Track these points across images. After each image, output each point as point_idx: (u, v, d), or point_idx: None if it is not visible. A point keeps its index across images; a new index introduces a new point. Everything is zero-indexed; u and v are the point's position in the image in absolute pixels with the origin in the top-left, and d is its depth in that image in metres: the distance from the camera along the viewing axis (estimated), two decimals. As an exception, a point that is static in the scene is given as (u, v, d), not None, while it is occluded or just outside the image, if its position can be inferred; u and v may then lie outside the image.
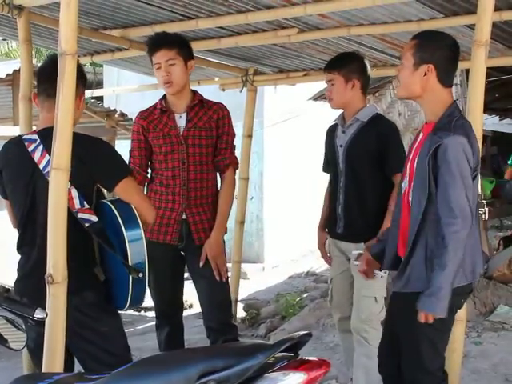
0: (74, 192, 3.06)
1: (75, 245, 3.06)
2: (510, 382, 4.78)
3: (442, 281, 2.96)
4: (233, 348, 2.40)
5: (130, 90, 8.67)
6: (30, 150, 3.15)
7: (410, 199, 3.17)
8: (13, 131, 6.14)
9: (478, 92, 3.50)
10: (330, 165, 4.49)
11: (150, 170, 4.30)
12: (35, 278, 3.09)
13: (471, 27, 4.60)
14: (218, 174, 4.25)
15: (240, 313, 6.97)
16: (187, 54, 4.09)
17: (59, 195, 2.97)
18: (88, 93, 8.18)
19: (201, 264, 4.08)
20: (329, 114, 12.19)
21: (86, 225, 3.06)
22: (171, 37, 4.10)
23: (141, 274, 3.04)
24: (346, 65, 4.21)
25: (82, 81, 3.26)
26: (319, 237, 4.61)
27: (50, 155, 3.04)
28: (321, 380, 2.18)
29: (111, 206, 3.14)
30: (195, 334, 6.32)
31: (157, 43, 4.06)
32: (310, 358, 2.20)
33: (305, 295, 7.85)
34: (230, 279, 4.39)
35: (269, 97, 10.28)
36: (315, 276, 10.02)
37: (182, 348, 4.47)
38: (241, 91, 6.37)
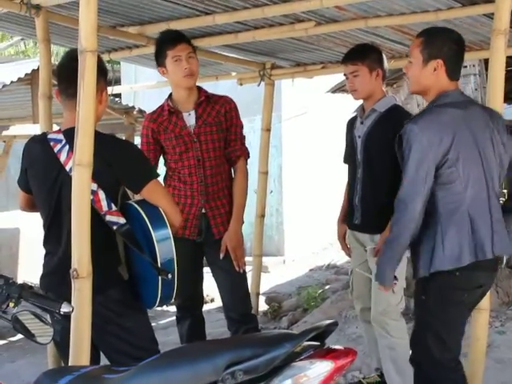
0: (102, 194, 3.06)
1: (100, 244, 3.06)
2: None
3: (383, 249, 3.29)
4: (259, 338, 2.40)
5: (147, 86, 8.68)
6: (55, 150, 3.15)
7: None
8: (33, 130, 6.20)
9: (498, 81, 3.49)
10: (349, 156, 4.49)
11: (165, 169, 4.33)
12: (60, 275, 3.11)
13: (490, 16, 4.57)
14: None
15: (262, 306, 6.98)
16: (196, 53, 4.18)
17: (82, 191, 2.98)
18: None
19: (221, 256, 4.13)
20: (347, 107, 12.16)
21: (114, 227, 3.06)
22: (181, 33, 4.18)
23: (170, 275, 3.04)
24: (368, 55, 4.21)
25: (103, 75, 3.24)
26: (339, 229, 4.62)
27: None
28: (347, 370, 2.19)
29: (137, 207, 3.14)
30: (218, 328, 6.35)
31: (174, 37, 4.10)
32: (337, 347, 2.20)
33: (326, 287, 7.83)
34: (251, 273, 4.44)
35: (286, 90, 10.27)
36: (336, 268, 10.01)
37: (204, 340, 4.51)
38: (258, 85, 6.37)
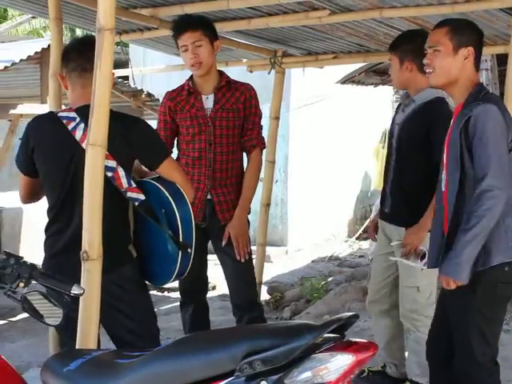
0: (121, 171, 3.09)
1: (116, 221, 3.10)
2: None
3: (464, 244, 2.93)
4: (278, 327, 2.35)
5: (156, 70, 8.64)
6: (69, 128, 3.12)
7: (447, 185, 3.14)
8: (41, 109, 6.16)
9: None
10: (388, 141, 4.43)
11: (175, 151, 4.30)
12: (68, 256, 3.10)
13: (507, 11, 4.53)
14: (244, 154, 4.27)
15: (264, 295, 6.96)
16: (212, 35, 4.10)
17: (95, 172, 2.95)
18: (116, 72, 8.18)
19: (223, 243, 4.13)
20: (356, 98, 12.18)
21: (136, 203, 3.10)
22: (194, 19, 4.13)
23: (189, 250, 3.13)
24: (401, 45, 4.14)
25: None
26: (374, 216, 4.61)
27: None
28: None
29: (156, 184, 3.18)
30: (219, 316, 6.34)
31: (181, 26, 4.07)
32: (357, 340, 2.16)
33: (329, 279, 7.83)
34: (254, 261, 4.40)
35: (295, 80, 10.21)
36: (339, 260, 10.02)
37: (208, 328, 4.49)
38: (269, 73, 6.31)
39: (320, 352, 2.09)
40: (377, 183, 12.23)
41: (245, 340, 2.14)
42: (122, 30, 5.65)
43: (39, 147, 3.20)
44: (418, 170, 4.07)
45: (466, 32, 3.13)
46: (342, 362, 2.08)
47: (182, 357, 2.20)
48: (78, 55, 3.19)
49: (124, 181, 3.08)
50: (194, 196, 3.40)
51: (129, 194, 3.09)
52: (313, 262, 10.13)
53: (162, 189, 3.15)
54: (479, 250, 2.96)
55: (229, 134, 4.12)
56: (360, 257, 10.32)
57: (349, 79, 8.65)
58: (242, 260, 4.15)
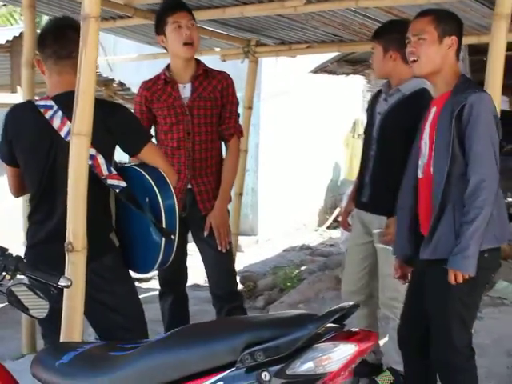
0: (101, 158, 3.03)
1: (97, 209, 3.05)
2: (512, 357, 4.81)
3: (469, 237, 2.95)
4: (279, 318, 2.32)
5: (128, 59, 8.56)
6: (47, 116, 3.07)
7: (432, 169, 3.15)
8: (12, 98, 6.06)
9: (498, 66, 3.47)
10: (366, 130, 4.40)
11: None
12: (51, 246, 3.05)
13: (481, 2, 4.56)
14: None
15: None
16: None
17: (80, 162, 2.92)
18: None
19: (205, 233, 4.10)
20: (326, 88, 12.17)
21: (117, 190, 3.04)
22: (187, 5, 4.11)
23: (173, 236, 3.07)
24: (386, 34, 4.10)
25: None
26: (346, 205, 4.63)
27: (71, 122, 2.97)
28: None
29: (139, 169, 3.13)
30: (192, 306, 6.26)
31: (176, 4, 4.03)
32: (357, 330, 2.16)
33: (302, 268, 7.84)
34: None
35: (266, 69, 10.19)
36: (310, 249, 10.02)
37: (187, 318, 4.47)
38: (242, 62, 6.31)
39: (322, 342, 2.08)
40: (346, 172, 12.30)
41: (245, 331, 2.13)
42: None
43: (18, 137, 3.15)
44: (405, 158, 4.08)
45: (449, 21, 3.16)
46: (344, 351, 2.08)
47: (181, 348, 2.17)
48: (54, 41, 3.11)
49: (104, 168, 3.02)
50: (177, 180, 3.36)
51: (109, 182, 3.03)
52: (284, 251, 10.12)
53: (145, 174, 3.09)
54: (454, 233, 3.02)
55: (207, 122, 4.09)
56: (331, 246, 10.33)
57: (321, 69, 8.66)
58: (224, 250, 4.13)
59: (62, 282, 2.32)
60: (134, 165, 3.22)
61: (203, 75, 4.11)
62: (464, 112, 2.97)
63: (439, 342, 3.20)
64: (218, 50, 6.58)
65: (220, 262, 4.19)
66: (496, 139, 3.01)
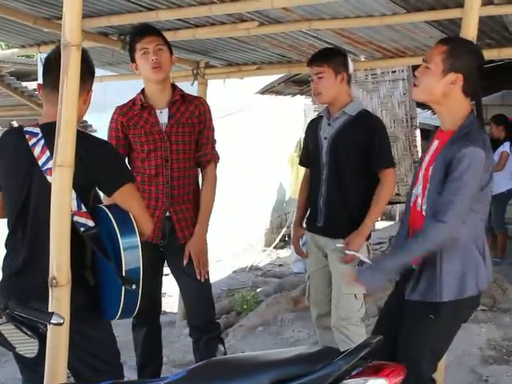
0: (73, 194, 2.89)
1: (71, 245, 2.90)
2: (475, 373, 4.86)
3: (390, 262, 3.05)
4: (304, 354, 2.23)
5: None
6: (30, 143, 2.98)
7: (424, 207, 3.10)
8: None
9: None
10: (310, 157, 4.42)
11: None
12: (24, 278, 2.95)
13: (430, 23, 4.64)
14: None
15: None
16: (169, 47, 4.04)
17: (63, 194, 2.83)
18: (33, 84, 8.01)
19: (184, 262, 4.00)
20: (275, 109, 12.15)
21: (82, 229, 2.90)
22: (155, 28, 4.09)
23: (134, 286, 2.87)
24: (334, 58, 4.19)
25: (91, 74, 3.13)
26: (295, 231, 4.60)
27: (50, 151, 2.89)
28: None
29: (107, 210, 2.96)
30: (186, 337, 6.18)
31: (143, 30, 4.00)
32: (385, 363, 2.14)
33: (258, 290, 7.78)
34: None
35: (214, 91, 10.18)
36: (260, 270, 9.99)
37: (160, 349, 4.38)
38: (192, 84, 6.28)
39: (351, 378, 2.05)
40: (292, 191, 12.33)
41: (270, 367, 2.07)
42: (41, 42, 5.50)
43: (2, 160, 3.08)
44: (359, 178, 4.12)
45: (461, 58, 3.00)
46: None
47: None
48: (51, 69, 3.01)
49: (74, 203, 2.89)
50: (151, 230, 3.18)
51: (76, 218, 2.90)
52: (234, 272, 10.05)
53: (111, 216, 2.92)
54: (455, 279, 2.99)
55: (185, 149, 4.02)
56: (280, 265, 10.33)
57: (268, 89, 8.70)
58: (202, 280, 4.03)
59: (54, 320, 2.24)
60: (106, 205, 3.07)
61: (180, 100, 4.06)
62: (454, 160, 2.89)
63: (408, 373, 3.20)
64: (166, 72, 6.53)
65: (198, 291, 4.10)
66: (470, 195, 2.92)
